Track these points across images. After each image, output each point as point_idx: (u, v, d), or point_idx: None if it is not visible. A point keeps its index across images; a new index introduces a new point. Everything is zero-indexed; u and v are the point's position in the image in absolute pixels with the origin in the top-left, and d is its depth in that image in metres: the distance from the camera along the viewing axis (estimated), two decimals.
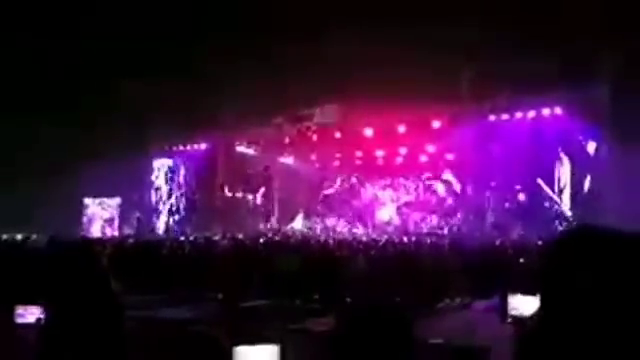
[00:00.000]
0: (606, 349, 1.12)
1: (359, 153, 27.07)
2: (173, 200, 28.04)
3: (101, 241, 17.70)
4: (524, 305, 4.62)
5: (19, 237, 17.32)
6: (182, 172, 28.00)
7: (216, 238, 19.26)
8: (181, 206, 27.90)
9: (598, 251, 1.19)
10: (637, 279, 1.15)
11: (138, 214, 27.83)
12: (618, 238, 1.21)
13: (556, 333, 1.19)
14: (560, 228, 19.33)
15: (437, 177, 26.09)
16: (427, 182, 26.69)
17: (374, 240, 19.31)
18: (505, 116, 20.85)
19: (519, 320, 4.61)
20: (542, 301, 1.25)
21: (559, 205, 19.93)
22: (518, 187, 21.35)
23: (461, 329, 5.35)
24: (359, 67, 19.72)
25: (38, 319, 3.94)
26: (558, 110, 19.70)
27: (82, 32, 21.25)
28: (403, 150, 25.64)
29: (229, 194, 27.49)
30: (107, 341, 3.18)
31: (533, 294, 4.40)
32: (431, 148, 24.63)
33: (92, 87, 22.39)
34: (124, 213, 28.06)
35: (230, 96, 22.92)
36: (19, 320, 4.30)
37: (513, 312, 4.78)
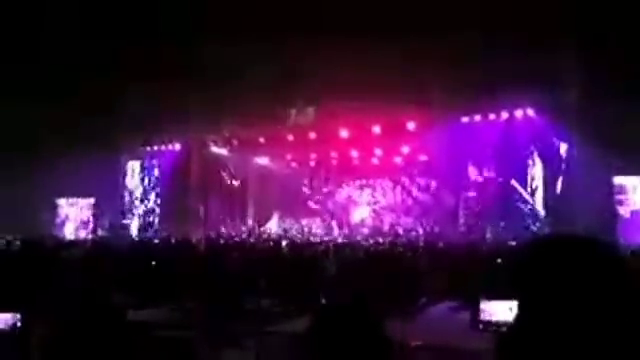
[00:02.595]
0: (583, 355, 1.13)
1: (334, 154, 27.10)
2: (147, 201, 27.80)
3: (73, 243, 17.52)
4: (496, 310, 4.58)
5: None
6: (156, 173, 27.78)
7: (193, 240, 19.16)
8: (155, 207, 27.67)
9: (573, 258, 1.20)
10: (611, 285, 1.16)
11: (111, 215, 27.54)
12: (592, 245, 1.22)
13: (533, 338, 1.19)
14: (533, 228, 19.58)
15: (411, 178, 26.23)
16: (401, 183, 26.82)
17: (349, 241, 19.38)
18: (478, 118, 21.01)
19: (491, 325, 4.59)
20: (519, 308, 1.26)
21: (532, 206, 20.15)
22: (491, 188, 21.55)
23: (431, 329, 5.40)
24: (334, 68, 19.74)
25: (13, 325, 3.89)
26: (530, 112, 19.91)
27: (55, 31, 20.99)
28: (378, 151, 25.73)
29: (203, 195, 27.36)
30: (87, 346, 3.15)
31: (506, 299, 4.39)
32: (406, 149, 24.73)
33: (65, 86, 22.11)
34: (98, 214, 27.76)
35: (204, 96, 22.79)
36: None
37: (485, 317, 4.72)
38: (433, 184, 24.60)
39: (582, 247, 1.23)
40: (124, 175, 28.03)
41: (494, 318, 4.61)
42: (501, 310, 4.50)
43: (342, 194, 28.56)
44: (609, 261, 1.20)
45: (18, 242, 13.56)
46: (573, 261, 1.20)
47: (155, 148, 27.66)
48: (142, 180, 27.97)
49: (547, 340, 1.17)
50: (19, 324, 3.79)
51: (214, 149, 27.08)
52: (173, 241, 18.15)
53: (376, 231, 24.84)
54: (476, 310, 4.76)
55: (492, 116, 20.85)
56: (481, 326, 4.69)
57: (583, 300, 1.16)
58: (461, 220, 22.21)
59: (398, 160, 25.89)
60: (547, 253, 1.25)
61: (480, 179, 21.67)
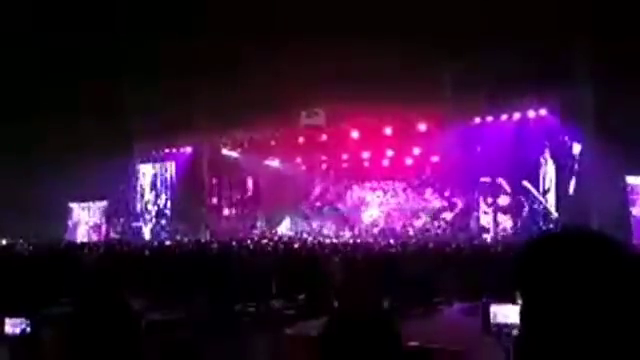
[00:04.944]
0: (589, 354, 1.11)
1: (345, 156, 27.09)
2: (159, 204, 27.91)
3: (87, 246, 17.62)
4: (508, 313, 4.55)
5: (3, 242, 17.21)
6: (168, 176, 27.88)
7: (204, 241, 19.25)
8: (167, 210, 27.78)
9: (578, 254, 1.17)
10: (619, 282, 1.13)
11: (123, 218, 27.67)
12: (599, 240, 1.20)
13: (539, 338, 1.17)
14: (546, 229, 19.46)
15: (423, 179, 26.17)
16: (413, 184, 26.77)
17: (361, 242, 19.36)
18: (490, 118, 20.93)
19: (503, 328, 4.56)
20: (523, 307, 1.23)
21: (545, 206, 20.05)
22: (504, 189, 21.48)
23: (443, 332, 5.37)
24: (344, 69, 19.73)
25: (23, 330, 3.89)
26: (543, 112, 19.80)
27: (68, 34, 21.10)
28: (389, 152, 25.66)
29: (215, 198, 27.48)
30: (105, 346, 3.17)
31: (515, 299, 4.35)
32: (417, 150, 24.66)
33: (77, 89, 22.23)
34: (110, 218, 27.89)
35: (215, 99, 22.88)
36: (9, 331, 4.17)
37: (496, 321, 4.69)
38: (445, 185, 24.51)
39: (586, 243, 1.20)
40: (136, 178, 28.14)
41: (505, 320, 4.59)
42: (513, 313, 4.46)
43: (353, 196, 28.53)
44: (617, 257, 1.17)
45: (30, 246, 13.65)
46: (578, 257, 1.17)
47: (167, 151, 27.77)
48: (154, 183, 28.09)
49: (553, 339, 1.15)
50: (29, 329, 3.81)
51: (225, 152, 27.17)
52: (184, 243, 18.22)
53: (387, 232, 24.81)
54: (487, 313, 4.74)
55: (504, 116, 20.76)
56: (494, 329, 4.67)
57: (588, 297, 1.13)
58: (473, 221, 22.14)
59: (409, 161, 25.81)
60: (550, 249, 1.22)
61: (492, 180, 21.58)
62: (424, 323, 5.83)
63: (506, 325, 4.60)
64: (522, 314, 1.24)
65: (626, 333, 1.11)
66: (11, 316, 3.97)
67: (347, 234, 25.84)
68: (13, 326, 3.91)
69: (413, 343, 4.47)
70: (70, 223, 27.67)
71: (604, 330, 1.11)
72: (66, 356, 3.09)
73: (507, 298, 4.63)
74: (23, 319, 3.91)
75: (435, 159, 24.75)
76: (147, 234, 27.30)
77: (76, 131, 22.48)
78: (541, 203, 20.09)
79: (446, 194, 24.60)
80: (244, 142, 26.62)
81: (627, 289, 1.14)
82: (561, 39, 17.60)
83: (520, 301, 1.25)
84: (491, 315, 4.75)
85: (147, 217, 27.93)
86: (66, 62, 21.62)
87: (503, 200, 21.60)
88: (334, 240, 22.10)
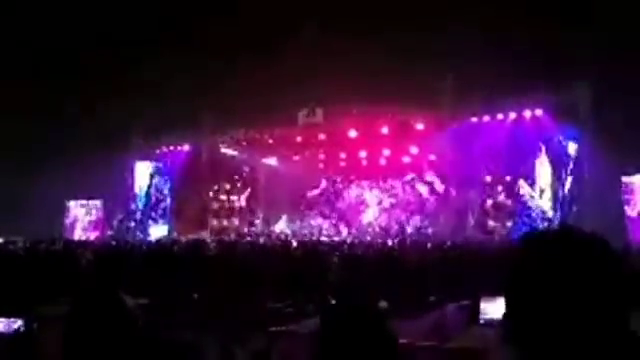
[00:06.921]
0: (573, 352, 1.12)
1: (343, 154, 27.10)
2: (157, 202, 27.85)
3: (83, 244, 17.60)
4: (498, 309, 4.60)
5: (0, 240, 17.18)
6: (166, 174, 27.83)
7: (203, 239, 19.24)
8: (165, 208, 27.74)
9: (565, 253, 1.18)
10: (602, 279, 1.15)
11: (121, 216, 27.61)
12: (585, 239, 1.20)
13: (523, 334, 1.19)
14: (541, 228, 19.45)
15: (420, 178, 26.19)
16: (410, 183, 26.79)
17: (358, 240, 19.37)
18: (486, 118, 20.94)
19: (492, 323, 4.61)
20: (507, 303, 1.24)
21: (540, 205, 20.08)
22: (500, 188, 21.52)
23: (437, 329, 5.40)
24: (343, 69, 19.78)
25: (17, 329, 3.90)
26: (539, 112, 19.83)
27: (67, 34, 21.12)
28: (387, 151, 25.70)
29: (213, 196, 27.47)
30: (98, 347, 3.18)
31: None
32: (414, 149, 24.68)
33: (75, 88, 22.24)
34: (107, 215, 27.84)
35: (213, 97, 22.89)
36: (2, 330, 4.19)
37: (487, 316, 4.75)
38: (442, 184, 24.52)
39: (570, 243, 1.21)
40: (133, 176, 28.07)
41: (495, 316, 4.64)
42: (500, 309, 4.51)
43: (351, 194, 28.55)
44: (601, 256, 1.18)
45: (27, 244, 13.62)
46: (561, 258, 1.18)
47: (165, 149, 27.72)
48: (152, 181, 28.02)
49: (537, 339, 1.17)
50: (22, 329, 3.83)
51: (224, 150, 27.15)
52: (182, 241, 18.21)
53: (385, 231, 24.82)
54: (477, 307, 4.80)
55: (500, 116, 20.78)
56: (482, 321, 4.73)
57: (571, 297, 1.14)
58: (469, 220, 22.15)
59: (407, 160, 25.84)
60: (532, 252, 1.23)
61: (488, 179, 21.62)
62: (421, 322, 5.85)
63: (492, 319, 4.66)
64: (506, 315, 1.25)
65: (607, 331, 1.13)
66: (4, 315, 3.99)
67: (344, 232, 25.86)
68: (6, 325, 3.93)
69: (410, 340, 4.49)
70: (67, 221, 27.62)
71: (586, 327, 1.13)
72: (61, 356, 3.11)
73: (499, 294, 4.66)
74: (16, 318, 3.93)
75: (432, 158, 24.78)
76: (145, 232, 27.24)
77: (75, 130, 22.49)
78: (537, 202, 20.11)
79: (443, 193, 24.60)
80: (242, 140, 26.59)
81: (610, 288, 1.15)
82: (558, 40, 17.65)
83: (505, 299, 1.26)
84: (481, 310, 4.82)
85: (145, 215, 27.87)
86: (65, 62, 21.65)
87: (499, 199, 21.64)
88: (332, 238, 22.11)
